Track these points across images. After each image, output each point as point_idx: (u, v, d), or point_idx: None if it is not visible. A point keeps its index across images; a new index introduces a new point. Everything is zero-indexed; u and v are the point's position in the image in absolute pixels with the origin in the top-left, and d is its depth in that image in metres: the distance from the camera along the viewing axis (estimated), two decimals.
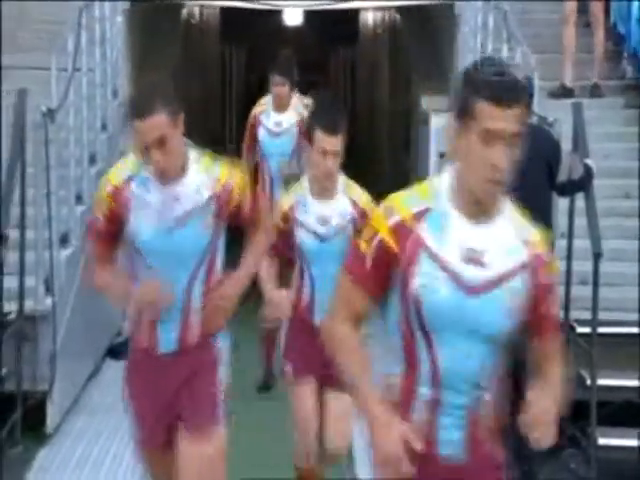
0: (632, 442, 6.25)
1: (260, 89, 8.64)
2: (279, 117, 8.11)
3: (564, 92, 8.85)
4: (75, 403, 7.57)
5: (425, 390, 2.94)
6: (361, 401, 2.92)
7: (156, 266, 3.97)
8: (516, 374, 5.92)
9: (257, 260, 4.34)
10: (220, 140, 18.43)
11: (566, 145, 6.59)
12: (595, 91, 8.88)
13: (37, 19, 9.45)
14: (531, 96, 6.40)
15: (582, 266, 6.72)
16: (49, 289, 6.88)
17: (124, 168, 4.08)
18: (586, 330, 6.40)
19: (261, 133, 8.12)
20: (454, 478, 2.98)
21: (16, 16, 9.40)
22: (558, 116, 7.11)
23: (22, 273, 6.61)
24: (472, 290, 2.86)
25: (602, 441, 6.22)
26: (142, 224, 3.97)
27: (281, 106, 8.11)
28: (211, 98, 17.37)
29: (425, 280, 2.87)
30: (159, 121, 3.81)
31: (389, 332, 2.98)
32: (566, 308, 6.68)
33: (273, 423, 6.54)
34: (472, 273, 2.88)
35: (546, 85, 8.37)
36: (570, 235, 6.78)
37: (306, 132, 5.04)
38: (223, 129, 18.93)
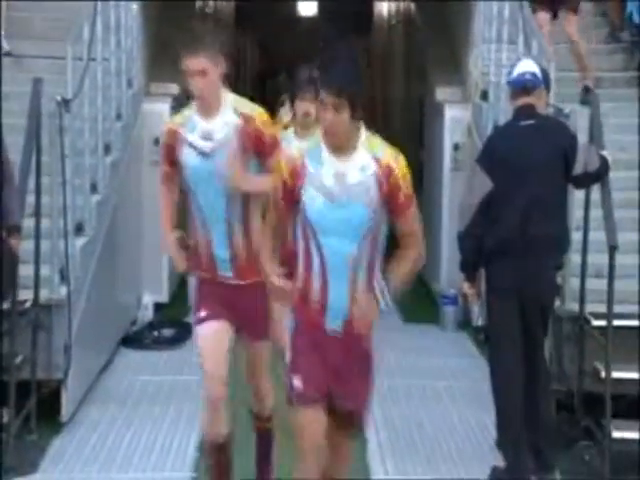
0: None
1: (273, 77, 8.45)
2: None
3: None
4: (90, 392, 7.60)
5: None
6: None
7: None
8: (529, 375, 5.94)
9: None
10: None
11: (582, 137, 6.56)
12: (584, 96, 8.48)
13: (53, 7, 9.45)
14: (548, 87, 6.39)
15: (597, 259, 6.71)
16: (64, 278, 6.89)
17: None
18: (601, 323, 6.39)
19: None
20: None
21: (32, 5, 9.41)
22: (574, 107, 7.08)
23: (37, 262, 6.63)
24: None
25: (616, 434, 6.21)
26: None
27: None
28: (224, 86, 17.36)
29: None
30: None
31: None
32: (581, 301, 6.67)
33: None
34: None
35: (563, 76, 8.31)
36: (585, 227, 6.76)
37: None
38: None
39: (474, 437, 6.88)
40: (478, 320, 8.99)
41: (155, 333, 9.21)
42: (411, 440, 6.84)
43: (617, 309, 6.32)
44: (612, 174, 6.48)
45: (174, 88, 10.55)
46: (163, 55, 10.80)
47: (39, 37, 9.20)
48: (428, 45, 12.14)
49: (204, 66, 4.94)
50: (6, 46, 8.78)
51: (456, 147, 10.40)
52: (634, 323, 6.61)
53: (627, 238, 7.07)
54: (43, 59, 8.74)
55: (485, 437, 6.75)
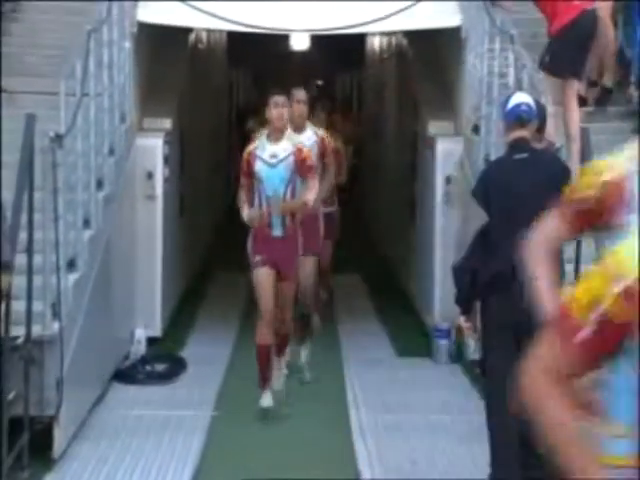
0: None
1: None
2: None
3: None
4: (82, 427, 7.56)
5: None
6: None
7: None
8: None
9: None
10: (227, 162, 18.46)
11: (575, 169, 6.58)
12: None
13: (47, 44, 9.47)
14: (544, 121, 6.40)
15: None
16: (56, 314, 6.87)
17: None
18: None
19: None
20: None
21: (26, 41, 9.44)
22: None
23: (30, 297, 6.62)
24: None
25: None
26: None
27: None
28: (218, 122, 17.40)
29: None
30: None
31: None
32: None
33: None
34: None
35: (558, 111, 8.30)
36: (577, 260, 6.76)
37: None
38: (230, 152, 18.97)
39: (468, 473, 6.84)
40: (474, 354, 8.98)
41: (148, 368, 9.17)
42: (405, 476, 6.80)
43: None
44: None
45: (167, 123, 10.58)
46: (156, 90, 10.82)
47: (32, 73, 9.22)
48: (420, 79, 12.19)
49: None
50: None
51: (448, 180, 10.42)
52: None
53: None
54: (36, 95, 8.75)
55: (479, 472, 6.71)
